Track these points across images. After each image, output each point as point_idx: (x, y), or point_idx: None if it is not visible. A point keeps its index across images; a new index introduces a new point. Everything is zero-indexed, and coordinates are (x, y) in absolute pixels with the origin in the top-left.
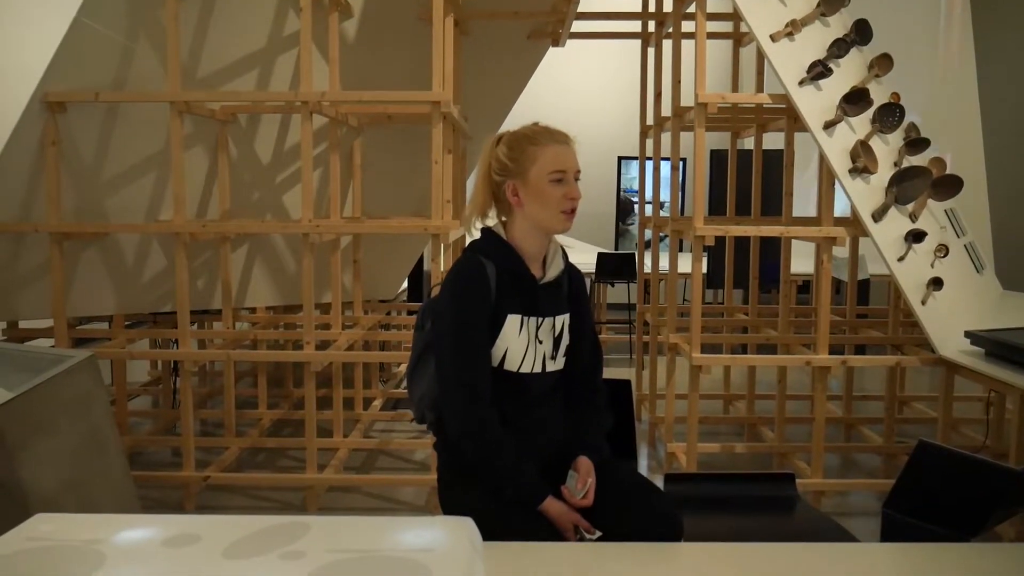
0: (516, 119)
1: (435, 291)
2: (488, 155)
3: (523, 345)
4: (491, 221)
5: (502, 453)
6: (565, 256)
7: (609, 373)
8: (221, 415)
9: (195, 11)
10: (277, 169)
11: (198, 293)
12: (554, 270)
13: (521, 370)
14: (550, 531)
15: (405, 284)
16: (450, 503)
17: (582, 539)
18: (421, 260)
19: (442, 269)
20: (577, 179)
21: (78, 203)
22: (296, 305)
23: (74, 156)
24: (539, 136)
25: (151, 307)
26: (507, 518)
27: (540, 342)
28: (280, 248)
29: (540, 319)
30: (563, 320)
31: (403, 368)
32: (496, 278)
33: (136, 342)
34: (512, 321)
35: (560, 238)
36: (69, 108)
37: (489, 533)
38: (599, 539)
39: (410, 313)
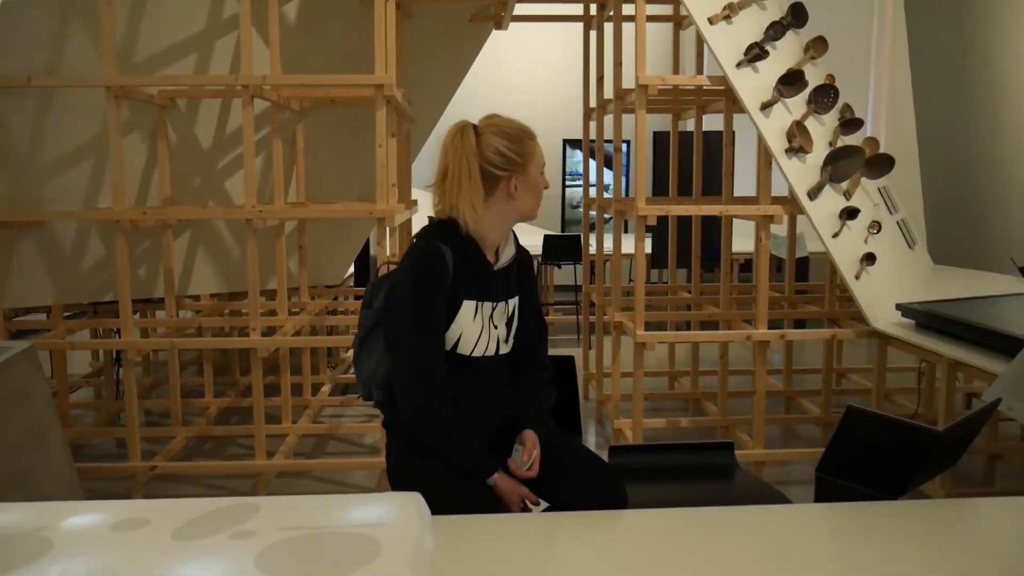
0: (461, 101)
1: (381, 271)
2: (469, 144)
3: (477, 330)
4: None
5: (454, 434)
6: (516, 240)
7: (556, 352)
8: (167, 404)
9: None
10: (218, 154)
11: (140, 282)
12: (507, 255)
13: (474, 354)
14: (497, 505)
15: (352, 269)
16: (399, 480)
17: (526, 510)
18: (367, 245)
19: (388, 253)
20: None
21: (12, 192)
22: (241, 292)
23: (8, 143)
24: (530, 131)
25: (91, 297)
26: (456, 493)
27: (495, 327)
28: (223, 235)
29: (494, 304)
30: (514, 302)
31: (351, 353)
32: (453, 264)
33: (76, 332)
34: (467, 307)
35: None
36: (0, 94)
37: (438, 508)
38: (545, 510)
39: (357, 298)
